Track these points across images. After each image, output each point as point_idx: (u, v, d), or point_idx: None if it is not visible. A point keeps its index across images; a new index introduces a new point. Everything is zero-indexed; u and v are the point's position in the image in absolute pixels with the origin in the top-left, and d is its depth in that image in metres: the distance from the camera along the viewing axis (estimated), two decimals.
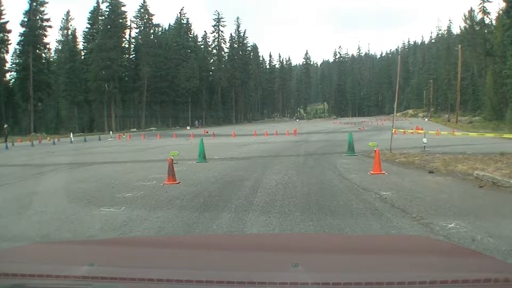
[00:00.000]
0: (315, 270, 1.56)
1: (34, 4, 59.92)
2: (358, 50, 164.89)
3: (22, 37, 59.02)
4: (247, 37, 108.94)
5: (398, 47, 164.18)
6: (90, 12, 72.70)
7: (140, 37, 78.78)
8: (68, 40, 75.18)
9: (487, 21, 65.35)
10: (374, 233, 4.62)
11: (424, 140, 15.01)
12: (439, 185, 7.78)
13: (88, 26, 72.93)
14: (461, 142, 16.79)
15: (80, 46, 74.88)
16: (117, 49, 69.65)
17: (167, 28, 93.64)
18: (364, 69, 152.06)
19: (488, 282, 1.34)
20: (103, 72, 67.59)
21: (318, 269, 1.59)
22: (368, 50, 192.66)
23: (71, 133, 43.02)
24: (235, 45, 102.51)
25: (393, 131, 15.42)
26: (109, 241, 3.30)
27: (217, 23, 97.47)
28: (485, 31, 64.01)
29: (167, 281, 1.40)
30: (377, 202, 6.21)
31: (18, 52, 60.52)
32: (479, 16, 66.97)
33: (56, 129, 59.53)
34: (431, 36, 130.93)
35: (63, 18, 77.90)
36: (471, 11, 69.05)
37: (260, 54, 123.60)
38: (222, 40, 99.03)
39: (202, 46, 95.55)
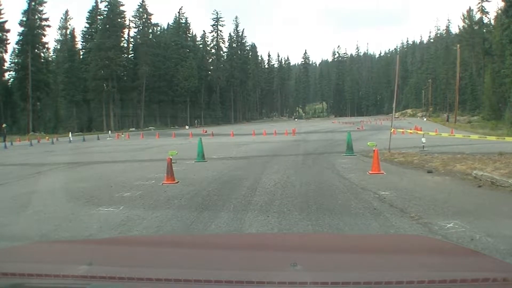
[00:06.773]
0: (314, 270, 1.56)
1: (33, 3, 59.78)
2: (357, 50, 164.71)
3: (21, 37, 58.93)
4: (245, 37, 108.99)
5: (396, 46, 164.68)
6: (88, 12, 72.99)
7: (138, 36, 78.69)
8: (67, 40, 75.06)
9: (485, 20, 65.59)
10: (373, 232, 4.63)
11: (423, 139, 15.02)
12: (438, 184, 7.79)
13: (87, 25, 73.03)
14: (459, 142, 16.80)
15: (79, 45, 75.16)
16: (116, 49, 69.52)
17: (165, 27, 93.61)
18: (363, 68, 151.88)
19: (486, 282, 1.34)
20: (102, 72, 67.56)
21: (316, 269, 1.59)
22: (367, 50, 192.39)
23: (70, 132, 43.01)
24: (234, 45, 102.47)
25: (391, 130, 15.43)
26: (107, 240, 3.29)
27: (216, 23, 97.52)
28: (484, 30, 64.14)
29: (165, 281, 1.39)
30: (375, 202, 6.21)
31: (17, 51, 60.46)
32: (477, 15, 67.18)
33: (54, 128, 59.41)
34: (429, 36, 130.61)
35: (61, 18, 77.80)
36: (469, 10, 69.23)
37: (258, 53, 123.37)
38: (220, 40, 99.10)
39: (201, 46, 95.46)
